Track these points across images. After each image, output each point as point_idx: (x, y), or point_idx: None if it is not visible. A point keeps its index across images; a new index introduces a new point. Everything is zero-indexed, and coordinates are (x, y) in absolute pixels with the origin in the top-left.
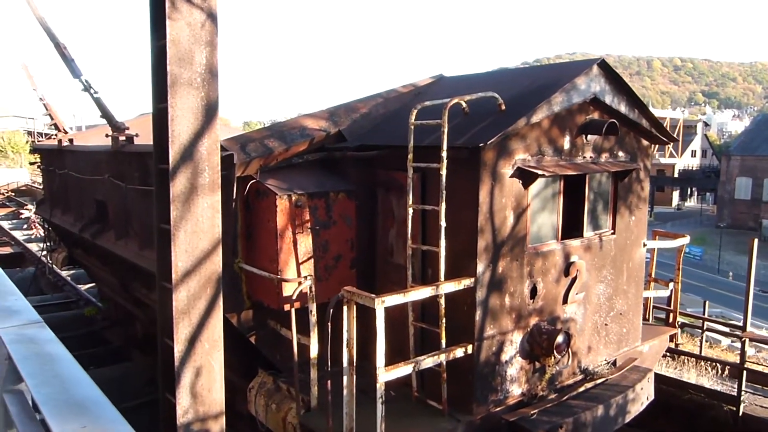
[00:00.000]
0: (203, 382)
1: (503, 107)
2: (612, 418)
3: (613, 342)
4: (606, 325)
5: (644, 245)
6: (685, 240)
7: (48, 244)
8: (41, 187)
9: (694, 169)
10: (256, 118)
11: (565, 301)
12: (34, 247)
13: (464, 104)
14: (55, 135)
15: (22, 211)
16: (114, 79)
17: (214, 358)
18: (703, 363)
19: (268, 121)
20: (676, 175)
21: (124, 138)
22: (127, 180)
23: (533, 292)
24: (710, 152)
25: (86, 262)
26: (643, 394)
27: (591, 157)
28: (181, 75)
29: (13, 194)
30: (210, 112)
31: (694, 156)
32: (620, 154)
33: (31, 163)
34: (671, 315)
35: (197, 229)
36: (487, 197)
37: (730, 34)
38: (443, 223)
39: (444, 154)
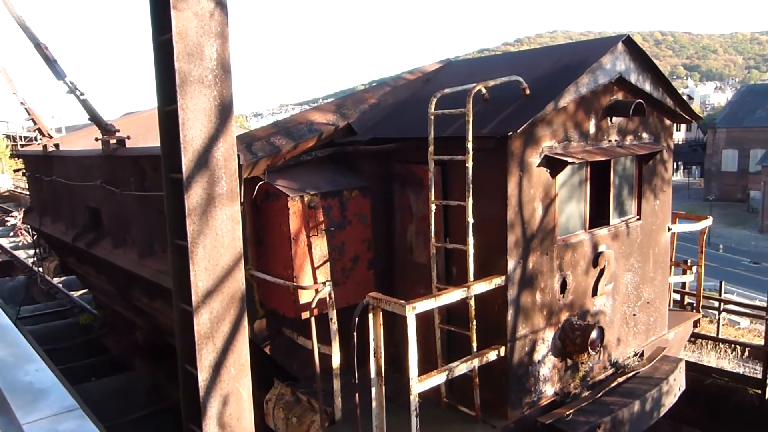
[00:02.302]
0: (231, 411)
1: (528, 92)
2: (648, 413)
3: (641, 332)
4: (634, 315)
5: (669, 229)
6: (708, 222)
7: (38, 252)
8: (26, 192)
9: (680, 143)
10: (238, 111)
11: (594, 293)
12: (22, 254)
13: (484, 90)
14: (37, 139)
15: (7, 218)
16: (92, 77)
17: (241, 384)
18: (721, 345)
19: (250, 113)
20: None
21: (115, 141)
22: (122, 185)
23: (563, 286)
24: (695, 125)
25: (80, 270)
26: (676, 386)
27: (616, 140)
28: (190, 72)
29: None
30: (224, 112)
31: (679, 130)
32: (644, 135)
33: (15, 170)
34: (695, 299)
35: (217, 243)
36: (515, 189)
37: (710, 5)
38: (471, 219)
39: (470, 144)
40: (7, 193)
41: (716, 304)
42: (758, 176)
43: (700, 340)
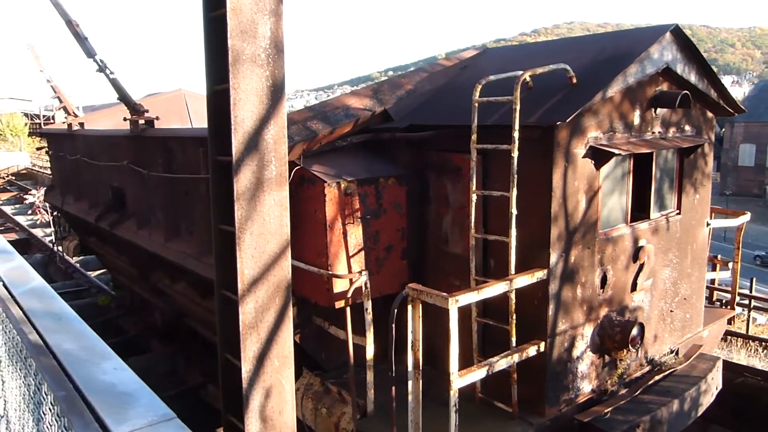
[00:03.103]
0: (273, 404)
1: (574, 80)
2: (686, 412)
3: (678, 329)
4: (671, 311)
5: (708, 225)
6: (746, 217)
7: (58, 230)
8: (44, 171)
9: None
10: None
11: (633, 289)
12: (39, 232)
13: (528, 78)
14: (55, 118)
15: (26, 196)
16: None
17: (284, 376)
18: (752, 343)
19: None
20: None
21: (143, 122)
22: (149, 167)
23: (603, 281)
24: None
25: (100, 250)
26: (714, 385)
27: (659, 132)
28: (243, 50)
29: (13, 178)
30: (276, 93)
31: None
32: (686, 127)
33: (38, 149)
34: (730, 296)
35: (264, 230)
36: (560, 181)
37: None
38: (514, 211)
39: (516, 134)
40: (24, 171)
41: (745, 301)
42: None
43: (730, 337)
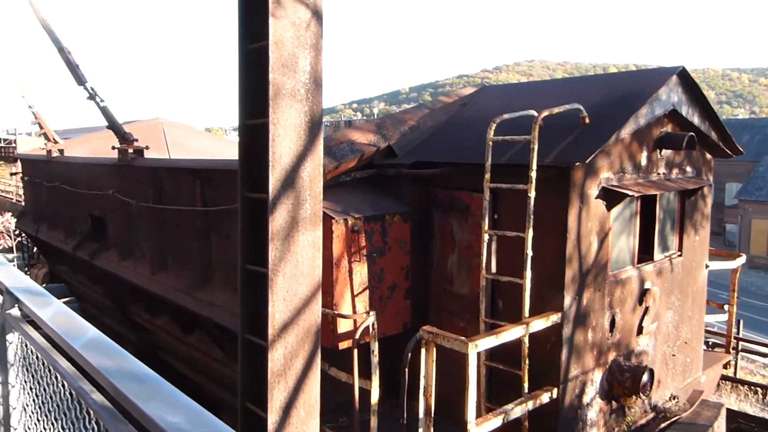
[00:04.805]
0: None
1: (587, 120)
2: None
3: (679, 374)
4: (673, 355)
5: (707, 266)
6: (742, 259)
7: (28, 258)
8: (5, 195)
9: None
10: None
11: (639, 332)
12: (1, 258)
13: (539, 117)
14: (14, 142)
15: None
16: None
17: (310, 427)
18: (741, 387)
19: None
20: None
21: (132, 150)
22: (136, 196)
23: (612, 325)
24: None
25: (71, 279)
26: None
27: (664, 173)
28: (284, 84)
29: None
30: (314, 129)
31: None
32: (688, 168)
33: (12, 174)
34: (726, 340)
35: (297, 271)
36: (575, 221)
37: (683, 41)
38: (530, 252)
39: (533, 173)
40: None
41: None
42: (735, 210)
43: (720, 381)
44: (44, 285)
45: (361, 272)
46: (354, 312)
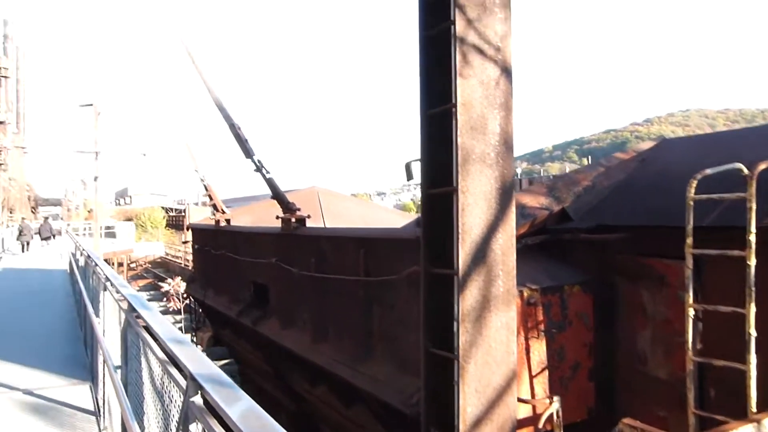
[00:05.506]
0: None
1: None
2: None
3: None
4: None
5: None
6: None
7: (195, 322)
8: (175, 260)
9: None
10: (360, 189)
11: None
12: (170, 319)
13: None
14: (184, 212)
15: (161, 284)
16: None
17: None
18: None
19: (374, 192)
20: None
21: (295, 220)
22: (297, 265)
23: None
24: None
25: (233, 344)
26: None
27: None
28: (473, 149)
29: (149, 266)
30: (505, 196)
31: None
32: None
33: (184, 242)
34: None
35: (489, 358)
36: None
37: None
38: (753, 332)
39: (752, 237)
40: (159, 260)
41: None
42: None
43: None
44: (207, 348)
45: (539, 350)
46: (533, 396)
